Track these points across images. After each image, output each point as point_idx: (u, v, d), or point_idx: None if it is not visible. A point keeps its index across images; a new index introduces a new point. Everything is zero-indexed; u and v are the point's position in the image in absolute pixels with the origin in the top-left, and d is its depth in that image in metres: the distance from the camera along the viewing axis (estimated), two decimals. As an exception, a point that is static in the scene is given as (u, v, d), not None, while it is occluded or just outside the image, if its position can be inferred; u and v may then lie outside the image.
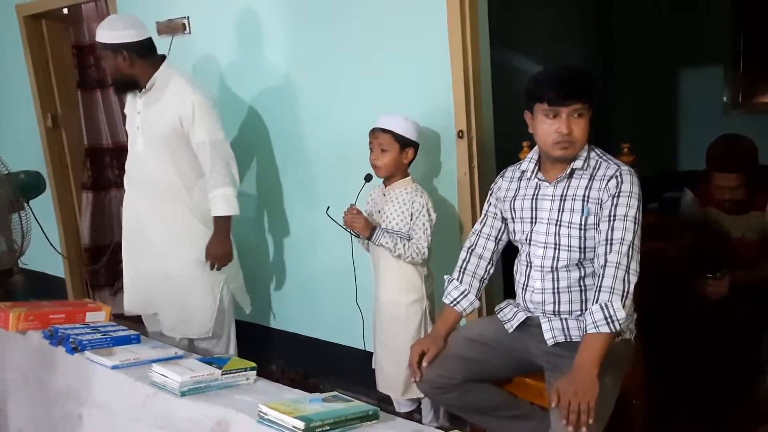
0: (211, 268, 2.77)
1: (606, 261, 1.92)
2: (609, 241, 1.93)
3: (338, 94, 2.97)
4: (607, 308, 1.87)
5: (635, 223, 1.95)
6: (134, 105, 2.76)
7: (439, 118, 2.69)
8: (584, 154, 2.04)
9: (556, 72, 2.01)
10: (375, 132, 2.49)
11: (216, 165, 2.69)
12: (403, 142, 2.47)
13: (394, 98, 2.79)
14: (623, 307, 1.88)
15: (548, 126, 1.99)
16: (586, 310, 1.96)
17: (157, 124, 2.69)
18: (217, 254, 2.76)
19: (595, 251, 1.99)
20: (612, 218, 1.95)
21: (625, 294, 1.89)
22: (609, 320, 1.87)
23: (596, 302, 1.90)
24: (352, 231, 2.51)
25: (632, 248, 1.93)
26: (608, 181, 1.98)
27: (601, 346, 1.86)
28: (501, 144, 2.78)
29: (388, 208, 2.53)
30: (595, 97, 1.98)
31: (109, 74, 2.73)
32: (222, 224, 2.74)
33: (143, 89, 2.70)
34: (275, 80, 3.13)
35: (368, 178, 2.53)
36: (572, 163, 2.04)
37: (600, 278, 1.91)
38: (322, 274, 3.22)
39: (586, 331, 1.90)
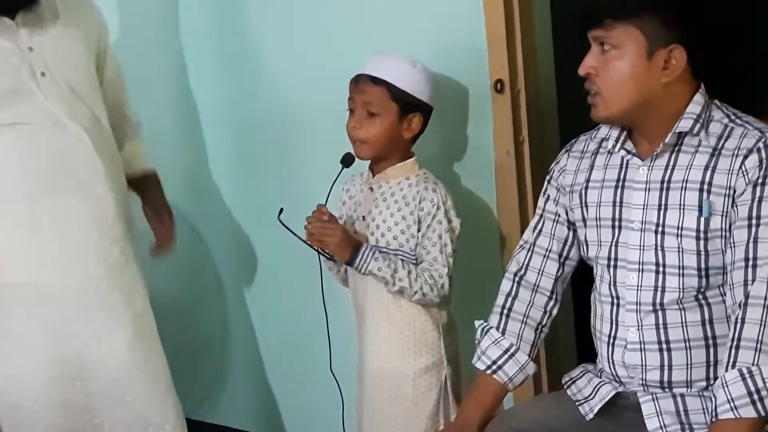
0: (163, 244, 2.91)
1: (747, 296, 1.90)
2: (750, 261, 1.92)
3: (291, 31, 2.99)
4: (751, 376, 1.85)
5: None
6: (7, 40, 2.55)
7: (463, 62, 2.69)
8: (696, 109, 2.01)
9: None
10: (360, 82, 2.46)
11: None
12: (406, 104, 2.44)
13: (384, 31, 2.80)
14: None
15: None
16: (714, 380, 1.96)
17: (77, 58, 2.64)
18: (172, 230, 2.93)
19: (725, 276, 1.98)
20: (755, 222, 1.93)
21: None
22: (755, 397, 1.84)
23: (733, 366, 1.87)
24: (321, 250, 2.48)
25: None
26: (744, 157, 1.95)
27: None
28: (570, 104, 2.67)
29: (379, 210, 2.49)
30: (664, 30, 1.95)
31: None
32: (157, 180, 2.92)
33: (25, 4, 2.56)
34: (193, 13, 3.15)
35: (347, 160, 2.50)
36: (677, 124, 2.01)
37: (737, 325, 1.90)
38: (274, 325, 3.24)
39: (716, 416, 1.87)
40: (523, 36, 2.61)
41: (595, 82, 2.00)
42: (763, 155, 1.93)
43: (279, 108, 3.05)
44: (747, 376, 1.83)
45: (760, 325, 1.85)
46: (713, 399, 1.88)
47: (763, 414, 1.83)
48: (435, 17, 2.71)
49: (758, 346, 1.84)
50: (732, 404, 1.83)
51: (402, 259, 2.43)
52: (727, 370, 1.86)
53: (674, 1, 1.98)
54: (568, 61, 2.65)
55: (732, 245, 1.93)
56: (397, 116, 2.43)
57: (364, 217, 2.52)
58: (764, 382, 1.83)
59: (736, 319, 1.89)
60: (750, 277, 1.89)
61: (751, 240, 1.91)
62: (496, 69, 2.61)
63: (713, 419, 1.87)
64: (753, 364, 1.84)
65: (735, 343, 1.87)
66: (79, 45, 2.65)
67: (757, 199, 1.92)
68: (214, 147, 3.21)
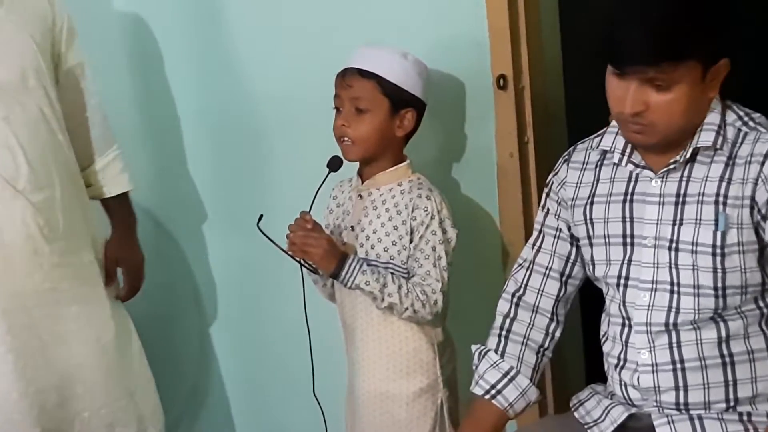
0: (127, 296, 2.85)
1: None
2: None
3: (275, 21, 3.00)
4: None
5: None
6: None
7: (463, 56, 2.72)
8: (716, 119, 2.02)
9: (641, 3, 1.98)
10: (347, 77, 2.47)
11: (101, 104, 2.79)
12: (398, 98, 2.45)
13: (378, 23, 2.82)
14: None
15: (614, 88, 2.00)
16: (735, 401, 2.00)
17: (23, 46, 2.63)
18: (138, 264, 2.87)
19: (743, 295, 2.01)
20: None
21: None
22: None
23: None
24: (303, 261, 2.49)
25: None
26: (762, 164, 1.97)
27: None
28: (578, 101, 2.77)
29: (369, 219, 2.51)
30: (716, 48, 1.95)
31: None
32: (130, 208, 2.86)
33: None
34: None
35: (334, 164, 2.50)
36: (694, 139, 2.01)
37: None
38: (254, 341, 3.27)
39: None
40: (529, 28, 2.63)
41: (644, 117, 1.96)
42: None
43: (261, 105, 3.07)
44: None
45: None
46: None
47: None
48: (432, 7, 2.73)
49: None
50: None
51: (392, 273, 2.43)
52: None
53: (726, 15, 1.97)
54: (576, 55, 2.76)
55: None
56: (388, 112, 2.44)
57: (352, 227, 2.52)
58: None
59: None
60: None
61: None
62: (499, 63, 2.62)
63: None
64: None
65: None
66: (23, 34, 2.62)
67: None
68: (189, 148, 3.19)
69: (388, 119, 2.44)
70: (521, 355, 2.21)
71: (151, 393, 2.88)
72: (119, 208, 2.82)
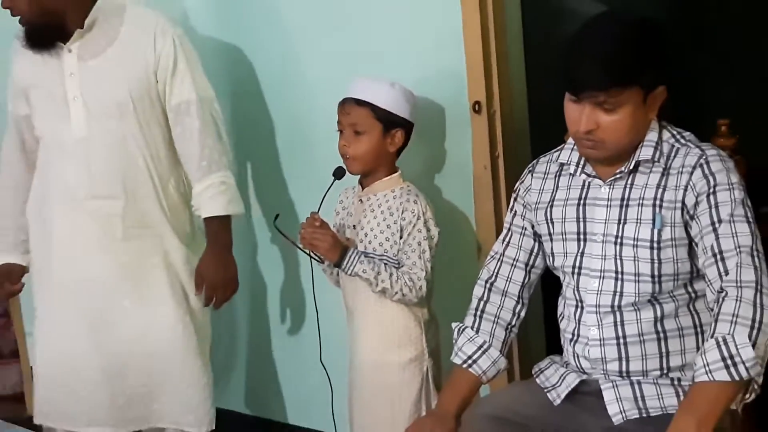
0: (208, 302, 2.83)
1: (723, 282, 1.99)
2: (719, 256, 2.02)
3: (292, 55, 3.11)
4: (725, 344, 1.92)
5: (749, 221, 2.03)
6: (56, 66, 2.73)
7: (444, 84, 2.82)
8: (654, 137, 2.12)
9: (589, 37, 2.07)
10: (345, 105, 2.59)
11: (209, 137, 2.78)
12: (389, 121, 2.58)
13: (374, 57, 2.91)
14: (753, 343, 1.91)
15: (571, 111, 2.09)
16: (667, 369, 2.11)
17: (116, 84, 2.71)
18: (219, 280, 2.83)
19: (675, 281, 2.12)
20: (717, 225, 2.04)
21: (756, 324, 1.93)
22: (728, 362, 1.91)
23: (711, 336, 1.95)
24: (313, 254, 2.63)
25: (757, 256, 2.00)
26: (690, 174, 2.07)
27: (714, 401, 1.90)
28: (540, 122, 2.85)
29: (367, 219, 2.64)
30: (655, 77, 2.05)
31: (22, 11, 2.63)
32: (222, 230, 2.83)
33: (74, 34, 2.69)
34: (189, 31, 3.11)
35: (339, 173, 2.64)
36: (636, 153, 2.11)
37: (718, 305, 1.98)
38: (265, 319, 3.37)
39: (694, 379, 1.96)
40: (499, 61, 2.76)
41: (596, 134, 2.04)
42: (706, 170, 2.04)
43: (281, 127, 3.20)
44: (722, 343, 1.91)
45: (736, 301, 1.94)
46: (694, 365, 1.95)
47: (737, 378, 1.88)
48: (420, 46, 2.85)
49: (734, 319, 1.92)
50: (707, 368, 1.90)
51: (385, 263, 2.55)
52: (706, 341, 1.95)
53: (664, 51, 2.06)
54: (539, 83, 2.89)
55: (703, 250, 2.04)
56: (381, 133, 2.58)
57: (354, 226, 2.65)
58: (737, 349, 1.89)
59: (716, 304, 1.98)
60: (722, 269, 1.99)
61: (715, 240, 2.01)
62: (475, 91, 2.76)
63: (692, 383, 1.94)
64: (728, 334, 1.91)
65: (715, 317, 1.96)
66: (128, 69, 2.72)
67: (712, 207, 2.03)
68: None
69: (382, 138, 2.58)
70: (493, 331, 2.31)
71: (206, 406, 2.89)
72: (212, 229, 2.82)
